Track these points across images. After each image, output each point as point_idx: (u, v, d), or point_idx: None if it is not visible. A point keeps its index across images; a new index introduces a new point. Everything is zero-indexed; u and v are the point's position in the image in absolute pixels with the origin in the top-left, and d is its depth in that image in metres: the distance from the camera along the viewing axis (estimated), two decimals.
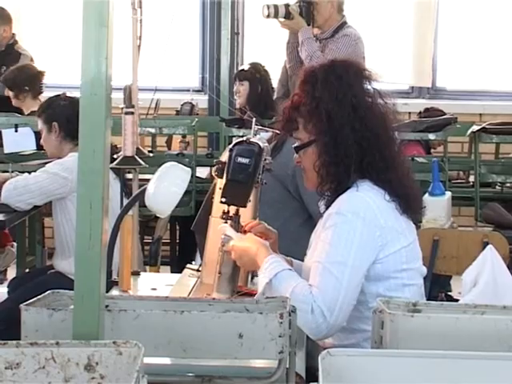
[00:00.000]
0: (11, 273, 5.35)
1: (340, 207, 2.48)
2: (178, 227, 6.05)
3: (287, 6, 5.05)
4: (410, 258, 2.54)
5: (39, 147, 5.01)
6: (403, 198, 2.53)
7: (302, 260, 2.70)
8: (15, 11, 7.13)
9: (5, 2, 6.93)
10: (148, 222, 5.32)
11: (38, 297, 1.99)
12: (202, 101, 7.10)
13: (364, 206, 2.47)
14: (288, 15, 5.03)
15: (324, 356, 1.67)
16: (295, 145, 2.62)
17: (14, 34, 6.70)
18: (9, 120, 5.62)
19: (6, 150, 5.39)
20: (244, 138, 2.63)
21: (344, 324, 2.42)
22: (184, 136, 6.13)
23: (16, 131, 5.40)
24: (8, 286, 4.48)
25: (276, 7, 5.01)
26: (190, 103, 6.60)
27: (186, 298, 2.27)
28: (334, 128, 2.50)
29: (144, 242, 5.26)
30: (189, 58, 7.61)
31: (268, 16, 5.03)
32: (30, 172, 4.22)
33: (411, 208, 2.58)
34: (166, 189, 2.71)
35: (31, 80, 5.93)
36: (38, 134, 4.82)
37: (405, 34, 7.47)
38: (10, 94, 5.92)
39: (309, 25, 5.03)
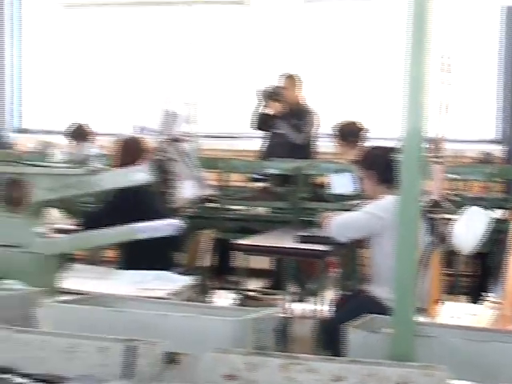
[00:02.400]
0: (329, 293, 5.44)
1: None
2: (477, 261, 5.82)
3: None
4: None
5: (357, 189, 5.09)
6: None
7: None
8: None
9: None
10: (449, 256, 5.18)
11: (360, 320, 1.99)
12: (497, 150, 6.84)
13: None
14: None
15: None
16: None
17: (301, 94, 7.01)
18: (331, 167, 5.80)
19: (334, 190, 5.58)
20: None
21: None
22: (482, 181, 5.93)
23: (340, 176, 5.55)
24: (331, 305, 4.55)
25: None
26: (487, 153, 6.41)
27: (487, 329, 2.16)
28: None
29: (444, 273, 5.12)
30: (484, 107, 7.34)
31: None
32: (349, 210, 4.27)
33: None
34: (470, 230, 2.63)
35: (355, 134, 6.08)
36: (355, 178, 4.90)
37: None
38: (338, 141, 6.09)
39: None
